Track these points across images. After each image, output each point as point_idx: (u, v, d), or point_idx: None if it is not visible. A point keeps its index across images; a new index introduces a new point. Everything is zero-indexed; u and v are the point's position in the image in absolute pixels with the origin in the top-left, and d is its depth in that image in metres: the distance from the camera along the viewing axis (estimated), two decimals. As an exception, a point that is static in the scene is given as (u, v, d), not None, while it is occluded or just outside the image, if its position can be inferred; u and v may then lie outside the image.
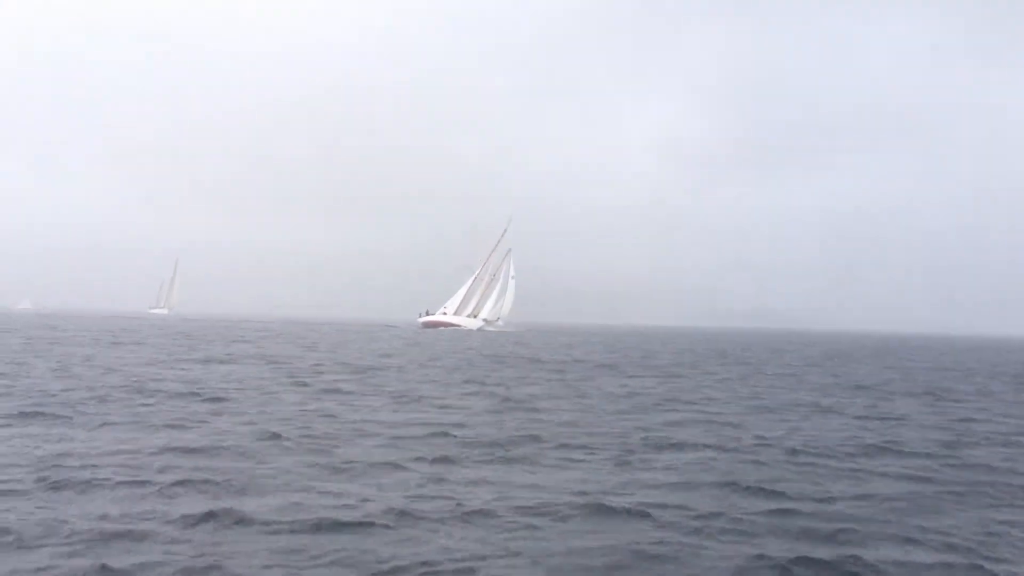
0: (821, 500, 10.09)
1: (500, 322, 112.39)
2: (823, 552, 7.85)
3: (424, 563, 7.25)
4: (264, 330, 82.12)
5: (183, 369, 27.64)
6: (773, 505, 9.70)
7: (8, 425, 14.15)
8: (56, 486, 9.63)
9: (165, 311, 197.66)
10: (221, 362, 31.82)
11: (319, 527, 8.25)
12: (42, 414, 15.37)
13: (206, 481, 10.06)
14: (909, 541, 8.40)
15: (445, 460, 12.00)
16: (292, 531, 8.14)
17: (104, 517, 8.38)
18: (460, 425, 15.71)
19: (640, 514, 9.09)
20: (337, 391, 21.64)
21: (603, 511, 9.19)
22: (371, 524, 8.37)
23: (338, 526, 8.30)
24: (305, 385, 23.02)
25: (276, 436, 13.48)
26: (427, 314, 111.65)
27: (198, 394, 19.61)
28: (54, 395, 18.61)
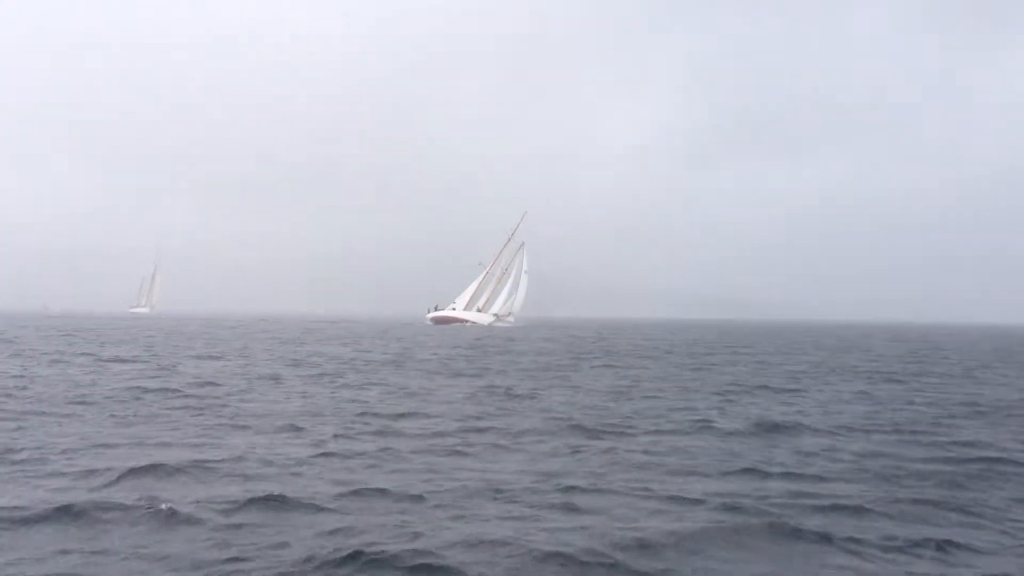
0: None
1: (511, 318, 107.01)
2: None
3: None
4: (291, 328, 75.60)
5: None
6: None
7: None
8: None
9: (146, 310, 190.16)
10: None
11: None
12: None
13: None
14: None
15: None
16: None
17: None
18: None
19: None
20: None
21: None
22: None
23: None
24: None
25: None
26: (436, 309, 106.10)
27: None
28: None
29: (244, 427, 14.27)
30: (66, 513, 8.31)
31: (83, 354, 33.06)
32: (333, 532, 7.89)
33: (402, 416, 16.00)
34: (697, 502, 9.28)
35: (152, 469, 10.38)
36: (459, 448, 12.56)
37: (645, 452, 12.45)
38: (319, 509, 8.72)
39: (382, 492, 9.47)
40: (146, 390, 19.46)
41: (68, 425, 14.08)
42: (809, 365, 34.80)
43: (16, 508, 8.47)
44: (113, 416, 15.19)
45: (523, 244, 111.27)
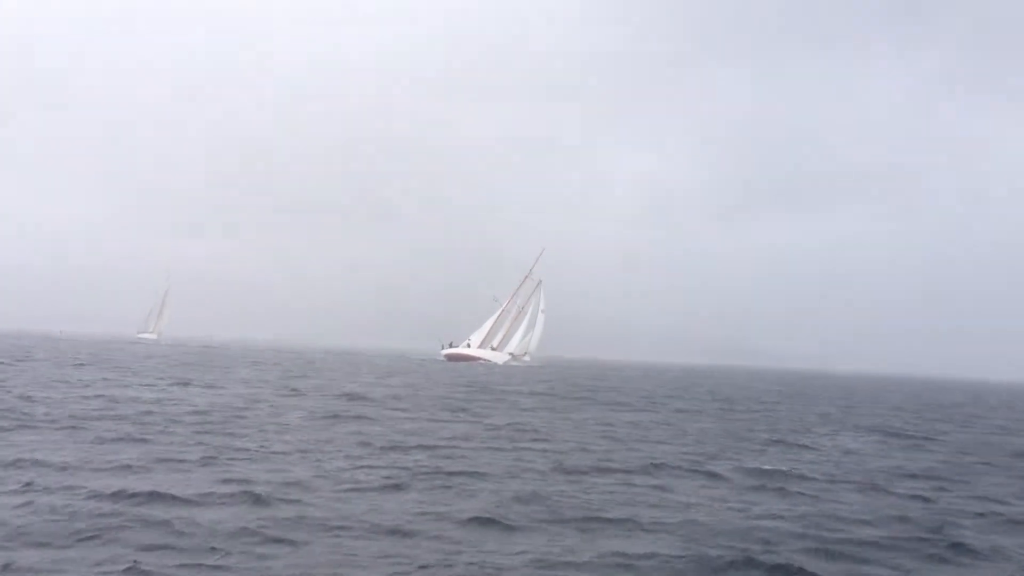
0: None
1: (527, 357, 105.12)
2: None
3: None
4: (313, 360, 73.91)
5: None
6: None
7: None
8: None
9: (154, 336, 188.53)
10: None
11: None
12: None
13: None
14: None
15: None
16: None
17: None
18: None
19: None
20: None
21: None
22: None
23: None
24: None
25: None
26: (451, 346, 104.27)
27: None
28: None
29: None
30: None
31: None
32: None
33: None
34: None
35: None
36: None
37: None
38: None
39: None
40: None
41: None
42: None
43: None
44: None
45: (540, 282, 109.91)
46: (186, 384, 33.38)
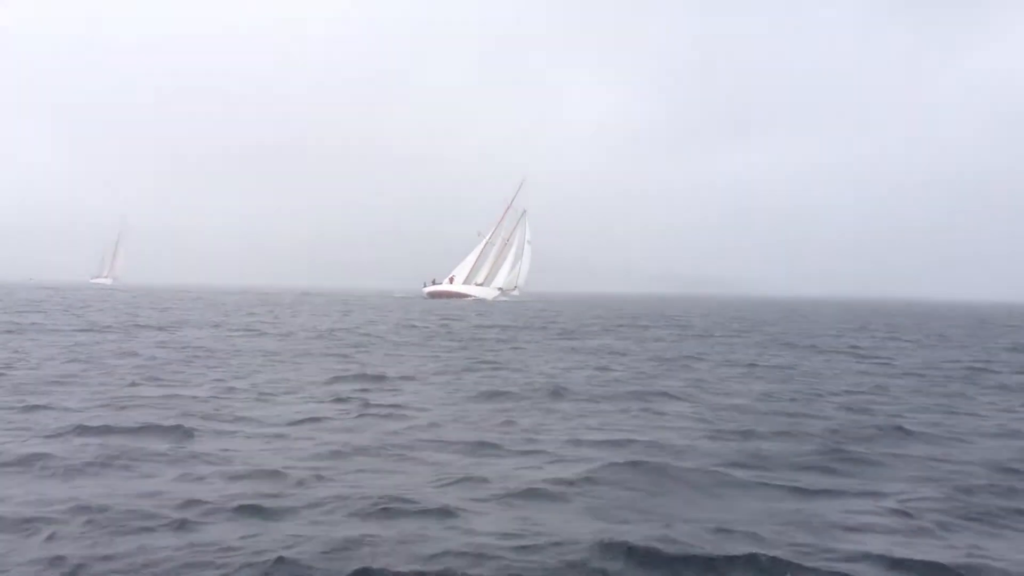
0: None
1: (516, 292, 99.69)
2: None
3: None
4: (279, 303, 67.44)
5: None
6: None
7: None
8: None
9: (108, 281, 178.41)
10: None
11: None
12: None
13: None
14: None
15: None
16: None
17: None
18: None
19: None
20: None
21: None
22: None
23: None
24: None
25: None
26: (433, 283, 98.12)
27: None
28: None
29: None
30: None
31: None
32: None
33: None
34: None
35: None
36: None
37: None
38: None
39: None
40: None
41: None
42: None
43: None
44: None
45: (524, 212, 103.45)
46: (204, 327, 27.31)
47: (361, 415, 12.04)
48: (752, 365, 21.04)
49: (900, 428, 11.43)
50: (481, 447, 9.90)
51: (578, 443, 10.22)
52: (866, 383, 17.27)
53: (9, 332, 25.95)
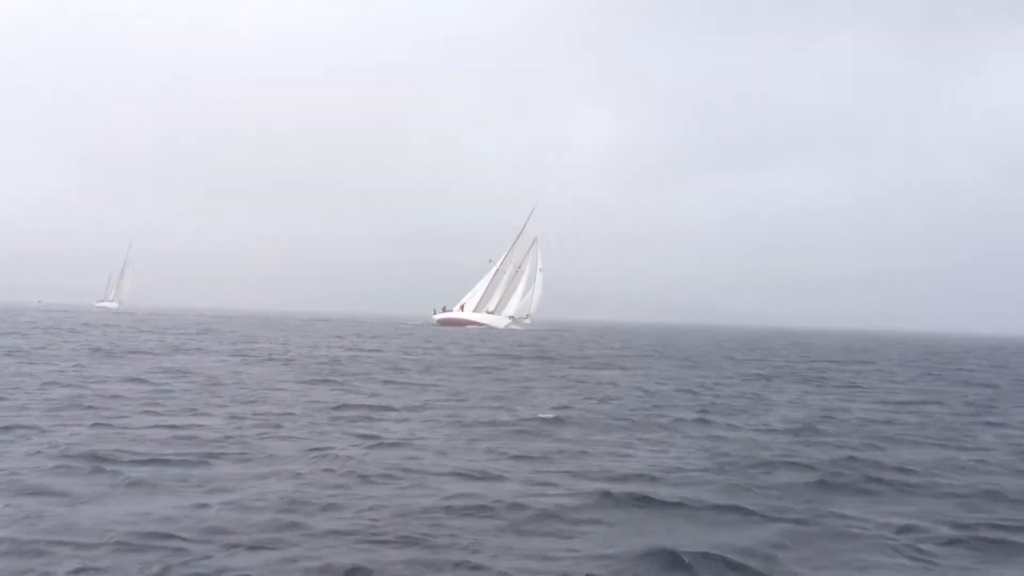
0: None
1: (528, 320, 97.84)
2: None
3: None
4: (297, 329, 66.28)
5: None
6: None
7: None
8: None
9: (114, 304, 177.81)
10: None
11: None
12: None
13: None
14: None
15: None
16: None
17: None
18: None
19: None
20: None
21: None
22: None
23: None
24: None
25: None
26: (443, 310, 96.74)
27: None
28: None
29: None
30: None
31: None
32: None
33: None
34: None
35: None
36: None
37: None
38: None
39: None
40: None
41: None
42: None
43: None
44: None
45: (536, 240, 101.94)
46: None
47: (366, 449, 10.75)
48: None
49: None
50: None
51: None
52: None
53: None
